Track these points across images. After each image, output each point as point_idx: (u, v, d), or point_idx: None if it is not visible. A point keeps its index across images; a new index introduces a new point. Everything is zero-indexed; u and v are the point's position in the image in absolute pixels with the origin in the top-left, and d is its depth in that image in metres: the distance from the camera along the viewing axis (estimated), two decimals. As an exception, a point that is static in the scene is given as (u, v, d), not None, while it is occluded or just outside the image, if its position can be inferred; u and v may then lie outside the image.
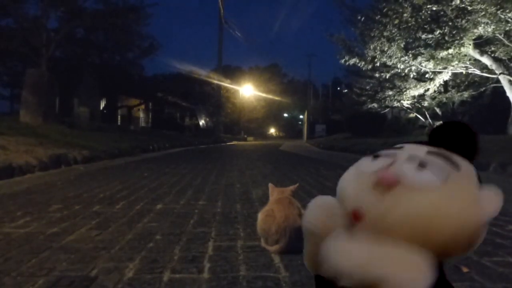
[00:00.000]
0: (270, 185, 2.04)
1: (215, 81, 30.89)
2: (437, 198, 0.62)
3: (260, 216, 1.89)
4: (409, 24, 12.18)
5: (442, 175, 0.64)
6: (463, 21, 10.93)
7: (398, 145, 0.75)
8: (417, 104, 18.18)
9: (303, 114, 51.22)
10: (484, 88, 15.40)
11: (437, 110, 17.92)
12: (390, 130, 20.26)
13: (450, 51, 11.73)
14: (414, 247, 0.62)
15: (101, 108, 25.18)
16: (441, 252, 0.64)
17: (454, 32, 11.31)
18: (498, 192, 0.66)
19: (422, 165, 0.65)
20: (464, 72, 14.05)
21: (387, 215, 0.63)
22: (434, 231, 0.62)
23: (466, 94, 15.72)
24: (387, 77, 15.96)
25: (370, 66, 15.42)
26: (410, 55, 12.95)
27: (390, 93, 17.54)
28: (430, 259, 0.62)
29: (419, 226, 0.62)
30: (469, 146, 0.74)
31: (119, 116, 28.11)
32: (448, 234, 0.62)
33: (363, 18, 14.41)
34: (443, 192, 0.63)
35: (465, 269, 1.59)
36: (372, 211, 0.65)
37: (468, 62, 12.95)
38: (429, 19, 11.82)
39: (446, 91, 16.52)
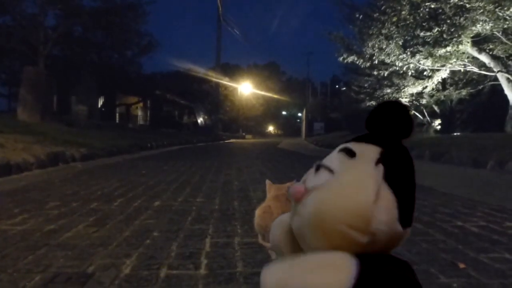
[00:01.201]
0: (267, 181, 2.04)
1: (214, 79, 30.85)
2: (320, 194, 0.65)
3: (257, 212, 1.88)
4: (407, 22, 12.19)
5: (329, 170, 0.67)
6: (461, 19, 10.94)
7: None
8: (415, 102, 18.18)
9: (301, 112, 51.23)
10: (482, 86, 15.41)
11: (435, 108, 17.95)
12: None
13: (448, 48, 11.74)
14: (331, 249, 0.63)
15: (99, 106, 25.13)
16: (346, 244, 0.64)
17: (452, 30, 11.32)
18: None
19: (317, 169, 0.69)
20: (462, 70, 14.07)
21: (300, 231, 0.67)
22: (324, 225, 0.64)
23: (464, 92, 15.74)
24: (386, 74, 15.96)
25: (368, 64, 15.43)
26: (408, 53, 12.96)
27: (389, 90, 17.54)
28: (349, 258, 0.63)
29: (314, 225, 0.64)
30: (403, 124, 0.73)
31: (117, 114, 28.07)
32: (337, 224, 0.63)
33: (361, 16, 14.41)
34: (325, 187, 0.65)
35: (462, 265, 1.60)
36: (294, 228, 0.69)
37: (466, 60, 12.96)
38: (427, 16, 11.83)
39: (444, 88, 16.55)
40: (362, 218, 0.64)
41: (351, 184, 0.65)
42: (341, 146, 0.72)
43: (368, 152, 0.69)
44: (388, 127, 0.74)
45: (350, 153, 0.69)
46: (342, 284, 0.59)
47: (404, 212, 0.67)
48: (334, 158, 0.70)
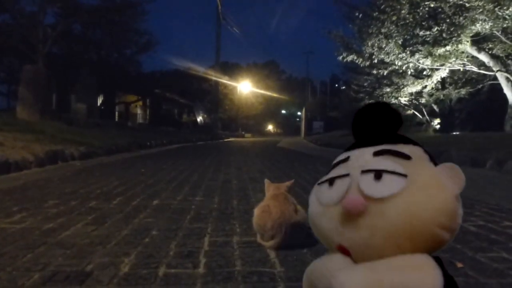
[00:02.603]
0: (266, 181, 2.04)
1: (213, 78, 30.82)
2: (406, 198, 0.63)
3: (256, 212, 1.89)
4: (407, 21, 12.19)
5: (400, 174, 0.64)
6: (461, 18, 10.94)
7: (342, 157, 0.75)
8: (414, 101, 18.21)
9: (301, 111, 51.21)
10: (481, 85, 15.43)
11: (435, 107, 17.96)
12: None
13: (448, 48, 11.75)
14: (410, 253, 0.63)
15: (99, 104, 25.11)
16: (432, 244, 0.65)
17: (451, 29, 11.32)
18: (454, 165, 0.67)
19: (378, 176, 0.65)
20: (461, 69, 14.08)
21: (370, 240, 0.64)
22: (418, 230, 0.63)
23: (463, 91, 15.75)
24: (385, 74, 15.97)
25: (367, 63, 15.44)
26: (408, 52, 12.96)
27: (388, 90, 17.55)
28: (431, 259, 0.63)
29: (403, 232, 0.63)
30: (394, 123, 0.74)
31: (116, 113, 28.05)
32: (431, 225, 0.63)
33: (360, 15, 14.41)
34: (409, 190, 0.63)
35: (459, 265, 1.60)
36: (354, 244, 0.65)
37: (465, 59, 12.97)
38: (426, 16, 11.83)
39: (443, 88, 16.55)
40: (450, 216, 0.65)
41: (433, 185, 0.65)
42: (378, 149, 0.70)
43: (417, 152, 0.70)
44: (385, 125, 0.74)
45: (404, 156, 0.68)
46: (436, 284, 0.60)
47: None
48: (387, 163, 0.66)
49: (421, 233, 0.63)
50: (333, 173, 0.72)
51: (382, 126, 0.74)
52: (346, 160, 0.73)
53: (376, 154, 0.69)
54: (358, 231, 0.64)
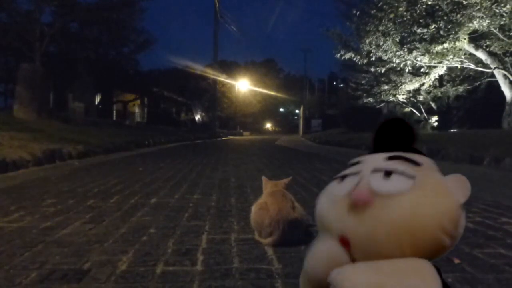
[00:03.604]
0: (264, 178, 2.04)
1: (211, 76, 30.79)
2: (413, 198, 0.65)
3: (254, 209, 1.89)
4: (405, 19, 12.19)
5: (408, 176, 0.67)
6: (458, 16, 10.95)
7: (356, 159, 0.78)
8: (412, 99, 18.22)
9: (299, 109, 51.20)
10: (479, 83, 15.45)
11: (432, 104, 17.98)
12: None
13: (445, 45, 11.76)
14: (410, 256, 0.64)
15: (96, 103, 25.06)
16: (433, 249, 0.65)
17: (449, 27, 11.33)
18: (462, 176, 0.70)
19: (387, 173, 0.68)
20: (459, 66, 14.09)
21: (372, 233, 0.65)
22: (420, 230, 0.64)
23: (461, 89, 15.78)
24: (383, 71, 15.98)
25: (365, 61, 15.45)
26: (406, 50, 12.97)
27: (386, 87, 17.56)
28: (430, 264, 0.64)
29: (405, 231, 0.64)
30: (410, 138, 0.78)
31: (114, 111, 28.00)
32: (434, 228, 0.64)
33: (358, 13, 14.40)
34: (416, 191, 0.65)
35: (456, 261, 1.61)
36: (357, 235, 0.67)
37: (463, 57, 12.99)
38: (424, 13, 11.83)
39: (441, 85, 16.58)
40: (454, 223, 0.66)
41: (440, 190, 0.67)
42: (390, 154, 0.73)
43: (428, 162, 0.74)
44: (405, 140, 0.78)
45: (415, 162, 0.71)
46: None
47: None
48: (398, 165, 0.69)
49: (424, 234, 0.64)
50: (346, 171, 0.76)
51: (398, 141, 0.77)
52: (359, 162, 0.77)
53: (389, 158, 0.72)
54: (362, 222, 0.66)
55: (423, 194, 0.65)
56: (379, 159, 0.73)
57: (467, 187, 0.69)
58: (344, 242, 0.68)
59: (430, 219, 0.64)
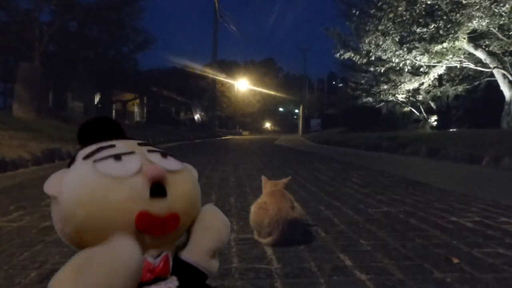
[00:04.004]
0: (263, 177, 2.05)
1: (210, 76, 30.79)
2: (189, 175, 0.78)
3: (253, 209, 1.89)
4: (404, 18, 12.19)
5: (177, 159, 0.78)
6: (458, 15, 10.96)
7: (107, 143, 0.75)
8: (411, 98, 18.23)
9: (298, 109, 51.22)
10: (478, 82, 15.46)
11: (432, 104, 17.99)
12: (385, 124, 20.33)
13: (445, 45, 11.76)
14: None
15: (96, 102, 25.03)
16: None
17: (448, 26, 11.33)
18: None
19: (164, 156, 0.75)
20: (458, 66, 14.10)
21: (173, 206, 0.70)
22: (197, 202, 0.79)
23: (460, 88, 15.78)
24: (382, 71, 15.98)
25: (365, 60, 15.45)
26: (405, 49, 12.97)
27: (385, 87, 17.57)
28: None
29: (190, 202, 0.75)
30: (118, 135, 0.81)
31: (113, 111, 27.96)
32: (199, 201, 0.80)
33: (357, 12, 14.41)
34: (187, 170, 0.78)
35: (455, 260, 1.61)
36: (160, 210, 0.68)
37: (462, 56, 13.00)
38: (423, 13, 11.84)
39: (440, 85, 16.58)
40: None
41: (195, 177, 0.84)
42: (140, 141, 0.79)
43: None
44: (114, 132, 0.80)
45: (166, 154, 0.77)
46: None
47: None
48: (164, 153, 0.77)
49: (198, 203, 0.79)
50: (112, 151, 0.71)
51: (107, 132, 0.80)
52: (114, 145, 0.74)
53: (139, 144, 0.77)
54: (163, 198, 0.68)
55: (191, 173, 0.80)
56: (133, 143, 0.77)
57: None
58: (144, 217, 0.66)
59: (199, 193, 0.80)
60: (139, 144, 0.77)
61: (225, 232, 0.81)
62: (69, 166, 0.72)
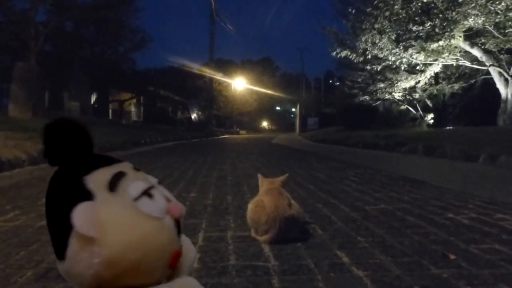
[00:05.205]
0: (260, 176, 2.04)
1: (207, 75, 30.76)
2: None
3: (250, 206, 1.89)
4: (400, 16, 12.22)
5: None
6: (454, 13, 10.99)
7: (119, 169, 0.71)
8: (408, 96, 18.29)
9: (295, 108, 51.27)
10: (474, 80, 15.52)
11: (428, 102, 18.05)
12: (382, 122, 20.37)
13: (441, 43, 11.80)
14: None
15: (92, 102, 24.98)
16: None
17: (444, 24, 11.36)
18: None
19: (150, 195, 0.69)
20: (454, 64, 14.15)
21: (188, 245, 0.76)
22: None
23: (456, 86, 15.84)
24: (379, 69, 16.03)
25: (361, 59, 15.49)
26: (401, 47, 13.00)
27: (382, 85, 17.61)
28: None
29: None
30: (83, 140, 0.73)
31: (110, 110, 27.91)
32: None
33: (354, 11, 14.44)
34: None
35: (452, 256, 1.61)
36: (180, 246, 0.71)
37: (458, 54, 13.04)
38: (419, 11, 11.86)
39: (437, 83, 16.64)
40: None
41: None
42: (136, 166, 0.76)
43: None
44: (78, 143, 0.72)
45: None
46: None
47: None
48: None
49: None
50: (140, 186, 0.69)
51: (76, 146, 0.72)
52: (125, 174, 0.70)
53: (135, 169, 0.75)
54: (180, 234, 0.71)
55: None
56: (135, 171, 0.74)
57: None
58: (177, 256, 0.69)
59: None
60: (135, 168, 0.75)
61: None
62: (81, 195, 0.64)
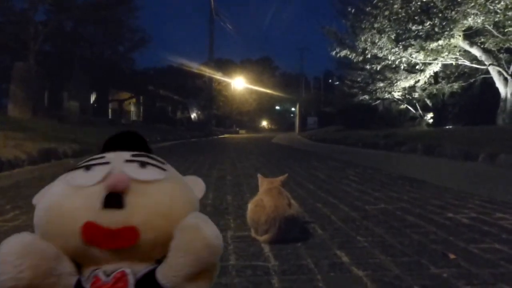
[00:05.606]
0: (259, 176, 2.04)
1: (207, 74, 30.75)
2: (168, 186, 0.70)
3: (250, 206, 1.89)
4: (399, 16, 12.22)
5: (161, 168, 0.72)
6: (453, 12, 10.99)
7: (100, 155, 0.74)
8: (407, 96, 18.28)
9: (295, 107, 51.26)
10: (473, 79, 15.52)
11: (428, 101, 18.05)
12: (382, 122, 20.38)
13: (440, 42, 11.79)
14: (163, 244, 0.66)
15: (92, 102, 24.96)
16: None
17: (444, 23, 11.36)
18: (198, 178, 0.85)
19: (143, 164, 0.70)
20: (454, 63, 14.15)
21: (129, 219, 0.64)
22: (175, 215, 0.67)
23: (456, 85, 15.84)
24: (378, 69, 16.02)
25: (361, 58, 15.48)
26: (401, 47, 13.00)
27: (381, 85, 17.61)
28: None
29: (162, 216, 0.66)
30: (144, 149, 0.78)
31: (110, 110, 27.89)
32: (184, 216, 0.67)
33: (353, 10, 14.44)
34: (169, 180, 0.71)
35: (452, 256, 1.61)
36: (112, 222, 0.63)
37: (458, 53, 13.04)
38: (419, 10, 11.86)
39: (436, 82, 16.64)
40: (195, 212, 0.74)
41: (185, 183, 0.77)
42: (136, 152, 0.75)
43: (167, 163, 0.78)
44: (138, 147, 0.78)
45: (160, 160, 0.75)
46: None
47: None
48: (148, 159, 0.73)
49: (177, 220, 0.66)
50: (92, 161, 0.71)
51: (131, 146, 0.78)
52: (104, 156, 0.72)
53: (135, 155, 0.73)
54: (119, 210, 0.64)
55: (176, 183, 0.72)
56: (126, 155, 0.72)
57: (202, 186, 0.83)
58: (90, 228, 0.63)
59: (182, 206, 0.69)
60: (133, 155, 0.72)
61: (206, 254, 0.64)
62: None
